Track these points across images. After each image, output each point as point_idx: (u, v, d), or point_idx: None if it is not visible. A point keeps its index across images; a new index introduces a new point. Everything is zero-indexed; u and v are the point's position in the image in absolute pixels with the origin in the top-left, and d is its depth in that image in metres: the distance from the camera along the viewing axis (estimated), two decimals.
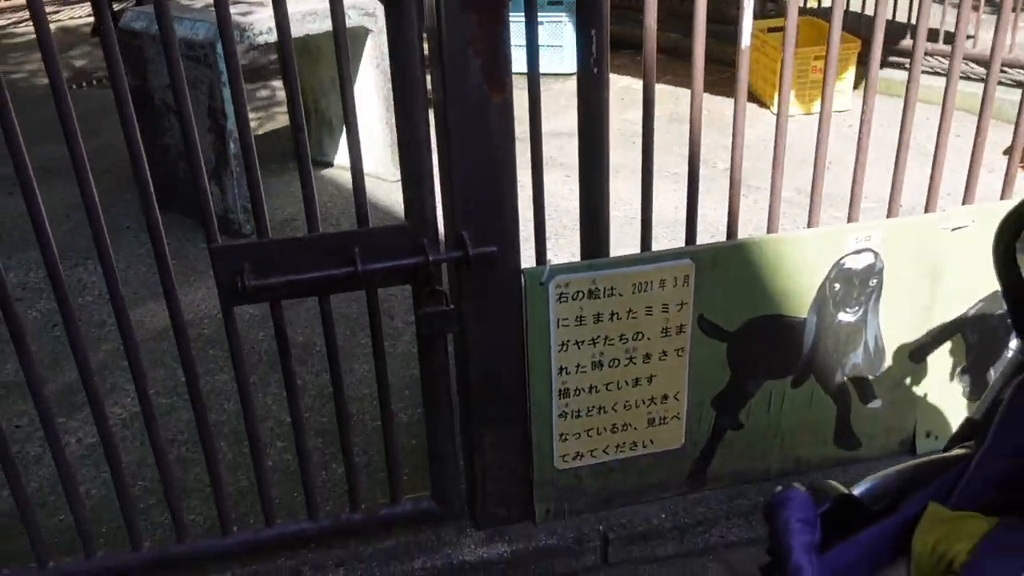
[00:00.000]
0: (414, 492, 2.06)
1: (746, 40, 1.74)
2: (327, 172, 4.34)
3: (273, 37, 3.54)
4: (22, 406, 2.66)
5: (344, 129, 4.35)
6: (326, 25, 3.64)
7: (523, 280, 1.80)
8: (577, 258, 1.89)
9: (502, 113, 1.61)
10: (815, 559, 1.15)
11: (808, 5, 5.74)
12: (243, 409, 1.83)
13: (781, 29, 4.85)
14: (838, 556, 1.22)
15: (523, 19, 1.67)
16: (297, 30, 3.52)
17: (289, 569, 1.97)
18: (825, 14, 5.18)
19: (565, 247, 3.31)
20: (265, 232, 1.67)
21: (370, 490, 2.20)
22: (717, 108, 4.53)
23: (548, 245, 1.85)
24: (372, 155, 3.96)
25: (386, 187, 4.02)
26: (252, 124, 3.60)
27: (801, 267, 1.98)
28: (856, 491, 1.29)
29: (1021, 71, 4.51)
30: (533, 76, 1.66)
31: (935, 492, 1.27)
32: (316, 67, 4.16)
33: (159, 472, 1.85)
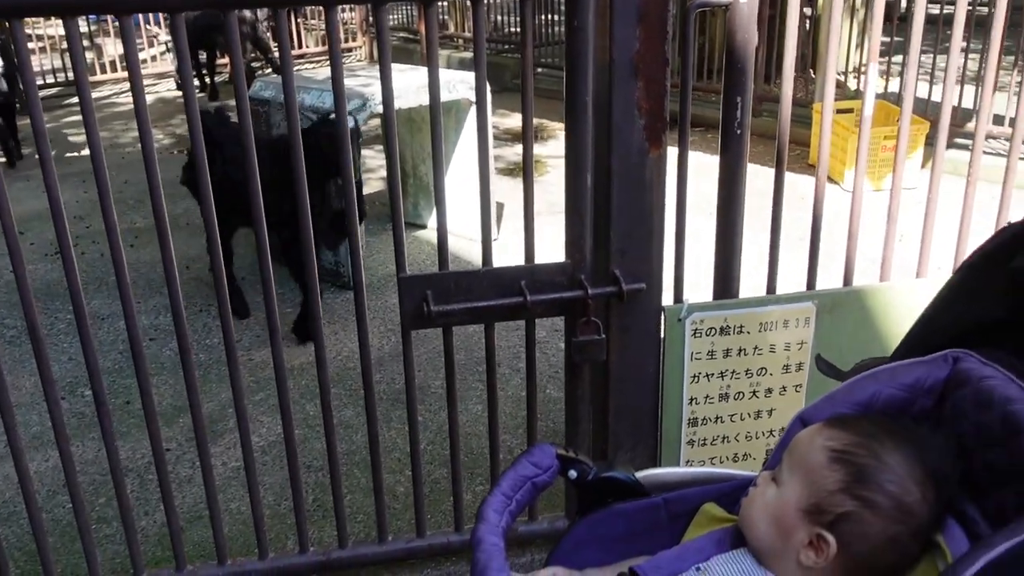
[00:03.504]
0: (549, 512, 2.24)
1: (869, 108, 1.99)
2: (421, 233, 4.64)
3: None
4: (167, 432, 2.89)
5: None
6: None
7: (663, 315, 2.01)
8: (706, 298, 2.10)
9: (657, 166, 1.86)
10: (524, 492, 1.19)
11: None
12: (409, 427, 2.04)
13: (849, 111, 5.13)
14: (603, 515, 1.29)
15: None
16: (412, 101, 3.85)
17: None
18: (893, 98, 5.47)
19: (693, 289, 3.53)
20: (446, 264, 1.91)
21: None
22: (791, 183, 4.77)
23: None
24: (460, 216, 4.21)
25: (468, 244, 4.25)
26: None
27: (908, 314, 2.16)
28: (639, 474, 1.33)
29: None
30: (683, 135, 1.91)
31: (717, 493, 1.31)
32: (418, 135, 4.50)
33: (333, 481, 2.06)
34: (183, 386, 1.98)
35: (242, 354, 3.37)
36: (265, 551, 2.08)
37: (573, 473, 1.26)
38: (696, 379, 2.09)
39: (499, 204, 4.73)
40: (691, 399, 2.10)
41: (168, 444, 2.82)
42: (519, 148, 6.48)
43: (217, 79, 8.21)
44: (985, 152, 4.72)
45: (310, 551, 2.11)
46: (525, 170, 1.89)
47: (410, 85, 3.80)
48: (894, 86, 5.81)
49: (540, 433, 2.87)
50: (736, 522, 1.24)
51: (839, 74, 6.52)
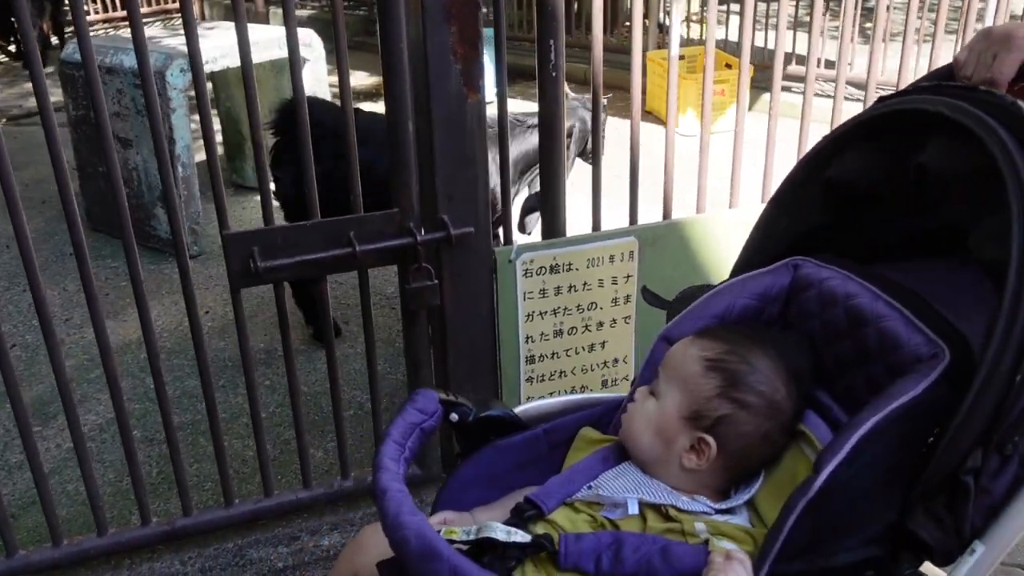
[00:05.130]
0: None
1: (675, 49, 2.09)
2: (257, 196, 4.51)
3: (217, 66, 3.72)
4: None
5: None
6: (266, 55, 3.83)
7: (494, 258, 2.06)
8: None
9: (476, 111, 1.89)
10: (415, 439, 1.19)
11: (700, 36, 6.30)
12: (248, 389, 2.02)
13: (681, 58, 5.33)
14: (486, 454, 1.32)
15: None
16: (234, 60, 3.71)
17: (287, 536, 2.15)
18: (723, 45, 5.72)
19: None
20: (271, 219, 1.88)
21: (355, 464, 2.39)
22: (622, 128, 4.94)
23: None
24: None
25: None
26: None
27: (723, 242, 2.31)
28: (517, 409, 1.38)
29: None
30: (501, 82, 1.94)
31: (592, 417, 1.37)
32: None
33: (170, 448, 2.01)
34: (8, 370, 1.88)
35: (73, 332, 3.22)
36: (104, 527, 2.02)
37: (455, 416, 1.29)
38: (530, 318, 2.16)
39: None
40: (527, 337, 2.17)
41: None
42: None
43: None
44: (816, 95, 5.02)
45: (153, 522, 2.06)
46: (346, 122, 1.88)
47: (232, 44, 3.65)
48: (726, 34, 6.08)
49: (392, 386, 2.90)
50: (614, 441, 1.30)
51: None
